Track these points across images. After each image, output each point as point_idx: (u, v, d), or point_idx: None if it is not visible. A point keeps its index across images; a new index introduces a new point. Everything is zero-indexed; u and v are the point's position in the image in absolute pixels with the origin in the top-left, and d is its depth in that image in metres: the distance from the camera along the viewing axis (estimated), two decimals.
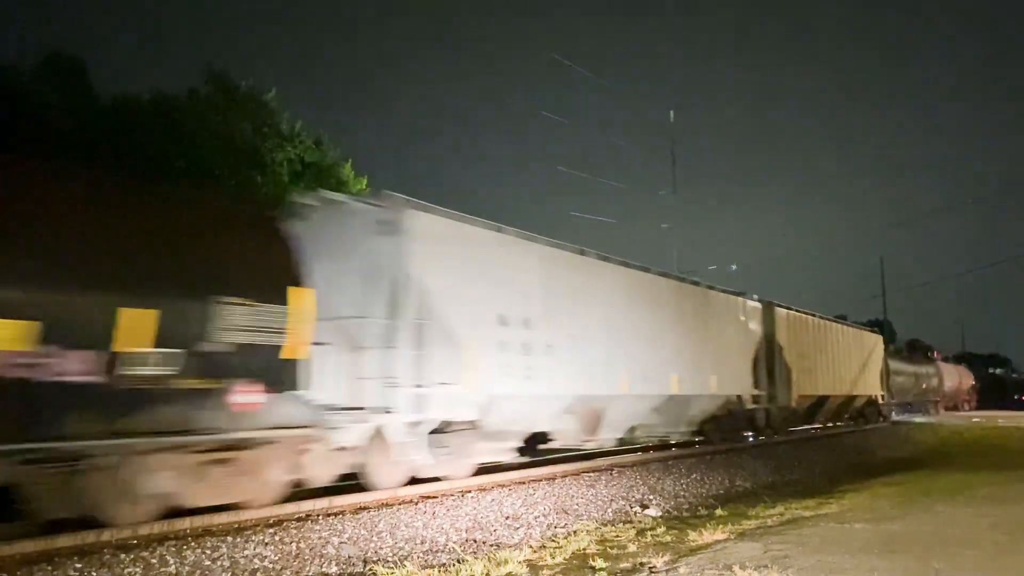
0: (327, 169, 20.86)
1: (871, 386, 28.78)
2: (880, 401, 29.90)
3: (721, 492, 12.51)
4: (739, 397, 17.95)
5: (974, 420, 34.88)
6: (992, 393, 57.35)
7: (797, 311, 22.39)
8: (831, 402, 24.51)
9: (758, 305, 19.90)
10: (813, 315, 23.84)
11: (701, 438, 17.49)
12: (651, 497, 11.19)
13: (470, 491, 9.94)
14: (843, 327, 26.86)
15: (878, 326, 52.16)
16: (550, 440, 12.82)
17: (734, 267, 35.74)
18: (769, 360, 19.65)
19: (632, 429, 14.83)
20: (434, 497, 9.45)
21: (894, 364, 32.96)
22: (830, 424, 26.64)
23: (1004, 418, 36.13)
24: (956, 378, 47.10)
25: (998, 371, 67.54)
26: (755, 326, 19.30)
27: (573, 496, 10.40)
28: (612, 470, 12.61)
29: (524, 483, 10.87)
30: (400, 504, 8.94)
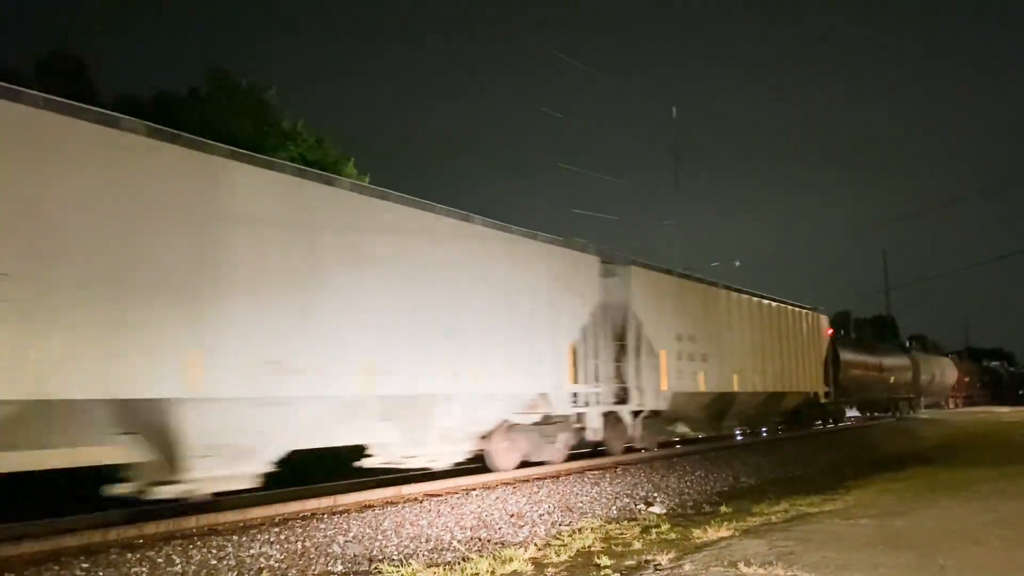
0: (329, 167, 20.86)
1: (809, 380, 22.17)
2: (824, 399, 23.75)
3: (725, 489, 12.53)
4: (545, 397, 11.72)
5: (978, 415, 34.85)
6: (989, 388, 53.66)
7: (680, 276, 16.52)
8: (741, 402, 18.03)
9: (592, 259, 13.26)
10: (711, 283, 17.70)
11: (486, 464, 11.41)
12: (655, 494, 11.20)
13: (475, 489, 9.95)
14: (759, 301, 19.61)
15: (881, 322, 51.01)
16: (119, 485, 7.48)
17: (737, 263, 34.41)
18: (618, 343, 13.63)
19: (296, 454, 8.60)
20: (439, 495, 9.47)
21: (848, 355, 26.22)
22: (747, 431, 20.52)
23: (1005, 413, 36.12)
24: (938, 371, 40.20)
25: (993, 364, 61.01)
26: (586, 290, 12.86)
27: (578, 494, 10.42)
28: (616, 468, 12.62)
29: (528, 481, 10.89)
30: (405, 502, 8.95)
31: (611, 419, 13.41)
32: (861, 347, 29.60)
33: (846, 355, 25.94)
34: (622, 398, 13.61)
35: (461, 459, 10.74)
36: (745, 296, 18.94)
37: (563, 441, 12.46)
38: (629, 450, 14.10)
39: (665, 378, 14.48)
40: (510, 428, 11.43)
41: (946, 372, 41.69)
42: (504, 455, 11.41)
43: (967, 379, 48.14)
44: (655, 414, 14.50)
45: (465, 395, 10.26)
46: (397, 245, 9.53)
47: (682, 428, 16.93)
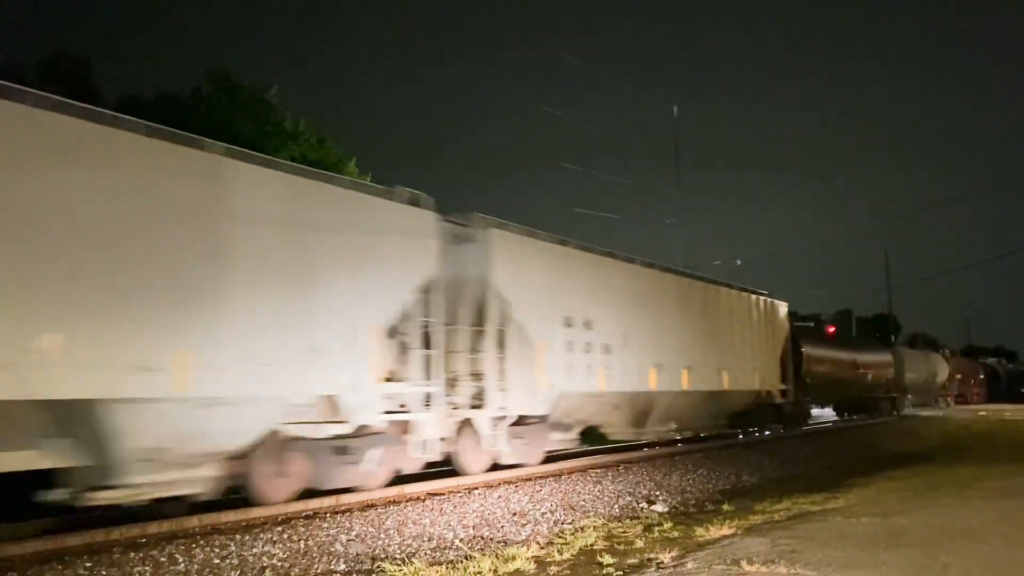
0: (331, 166, 20.88)
1: (761, 377, 18.90)
2: (782, 398, 20.43)
3: (727, 487, 12.51)
4: (334, 400, 8.71)
5: (980, 413, 34.76)
6: (984, 386, 50.60)
7: (577, 248, 13.05)
8: (665, 404, 14.85)
9: (424, 214, 9.94)
10: (623, 258, 14.31)
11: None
12: (658, 493, 11.20)
13: (477, 488, 9.96)
14: (690, 282, 16.61)
15: (883, 320, 50.04)
16: None
17: (739, 262, 33.87)
18: (474, 329, 10.66)
19: None
20: (441, 494, 9.48)
21: (811, 349, 23.16)
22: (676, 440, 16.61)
23: (1008, 411, 35.98)
24: (926, 368, 36.28)
25: (989, 361, 57.40)
26: (412, 255, 9.62)
27: (580, 492, 10.42)
28: (619, 466, 12.62)
29: (531, 479, 10.90)
30: (407, 501, 8.96)
31: (469, 428, 10.67)
32: (829, 340, 26.75)
33: (810, 349, 23.06)
34: (478, 402, 10.61)
35: (197, 490, 7.61)
36: (671, 276, 15.85)
37: (376, 460, 9.10)
38: (495, 467, 11.02)
39: (545, 375, 11.34)
40: (285, 444, 8.32)
41: (935, 369, 38.60)
42: (272, 482, 8.21)
43: (959, 376, 44.73)
44: (539, 420, 11.65)
45: (171, 401, 7.10)
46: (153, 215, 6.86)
47: (579, 435, 13.08)
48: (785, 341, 20.97)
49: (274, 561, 6.60)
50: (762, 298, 19.63)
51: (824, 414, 29.03)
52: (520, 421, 11.33)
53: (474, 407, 10.62)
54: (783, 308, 21.03)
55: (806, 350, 22.70)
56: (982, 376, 51.69)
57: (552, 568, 6.32)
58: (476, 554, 6.83)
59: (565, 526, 8.64)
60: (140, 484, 7.14)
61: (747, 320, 18.60)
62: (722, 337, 17.20)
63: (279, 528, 7.39)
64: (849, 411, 29.58)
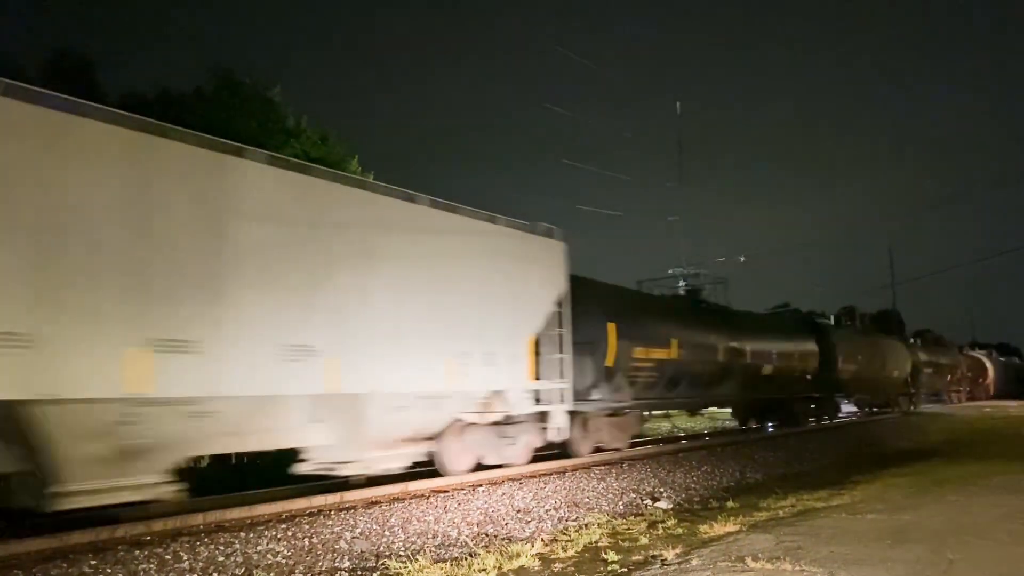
0: (333, 164, 20.87)
1: (475, 371, 10.11)
2: (541, 404, 11.36)
3: (732, 484, 12.50)
4: None
5: (984, 410, 34.64)
6: (967, 381, 42.80)
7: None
8: (168, 432, 6.87)
9: None
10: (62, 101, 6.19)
11: None
12: (662, 490, 11.18)
13: (481, 485, 9.96)
14: (258, 166, 7.69)
15: (886, 316, 48.00)
16: None
17: (742, 259, 33.40)
18: None
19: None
20: (445, 491, 9.48)
21: (634, 327, 13.83)
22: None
23: (1012, 408, 35.83)
24: (876, 358, 27.04)
25: (976, 352, 47.85)
26: None
27: (584, 489, 10.41)
28: (622, 463, 12.61)
29: (535, 476, 10.89)
30: (411, 498, 8.96)
31: None
32: (681, 313, 16.89)
33: (630, 327, 13.62)
34: None
35: None
36: (192, 149, 7.36)
37: None
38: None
39: None
40: None
41: (892, 360, 28.71)
42: None
43: (930, 370, 35.38)
44: None
45: None
46: None
47: None
48: (557, 308, 11.67)
49: (278, 559, 6.61)
50: (492, 226, 10.75)
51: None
52: None
53: None
54: (558, 249, 11.97)
55: (620, 325, 13.30)
56: (966, 371, 43.16)
57: (557, 565, 6.33)
58: (481, 551, 6.84)
59: (569, 523, 8.64)
60: None
61: (439, 263, 9.78)
62: (359, 293, 8.68)
63: (283, 525, 7.38)
64: (757, 418, 21.92)
